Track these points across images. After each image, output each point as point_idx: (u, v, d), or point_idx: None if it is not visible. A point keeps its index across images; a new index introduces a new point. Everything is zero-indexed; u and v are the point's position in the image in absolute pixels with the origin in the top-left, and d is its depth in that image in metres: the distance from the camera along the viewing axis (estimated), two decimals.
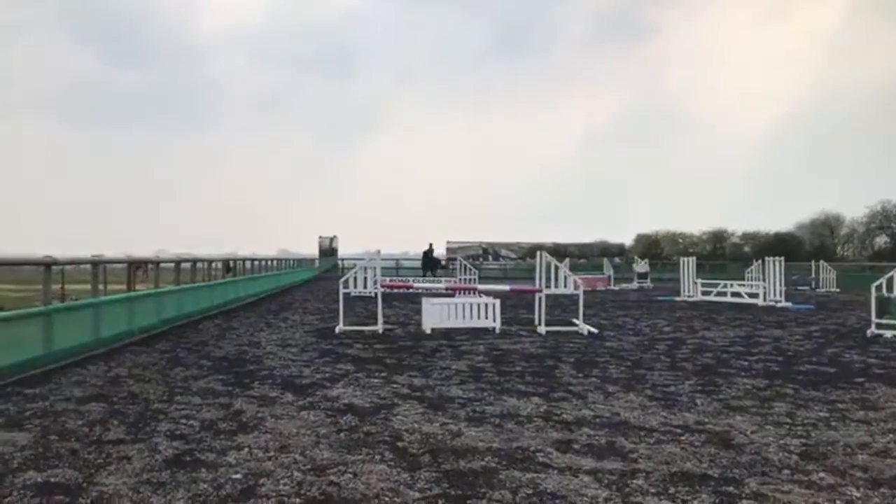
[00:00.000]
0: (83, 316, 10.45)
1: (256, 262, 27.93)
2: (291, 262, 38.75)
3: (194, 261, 19.35)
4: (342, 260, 53.67)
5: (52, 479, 4.69)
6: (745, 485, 4.62)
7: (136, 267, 16.28)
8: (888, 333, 13.18)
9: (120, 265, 15.85)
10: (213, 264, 21.47)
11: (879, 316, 13.63)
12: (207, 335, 12.99)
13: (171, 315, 14.13)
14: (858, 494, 4.45)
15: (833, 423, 6.36)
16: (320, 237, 56.79)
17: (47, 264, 9.89)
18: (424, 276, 37.04)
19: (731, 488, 4.56)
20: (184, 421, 6.34)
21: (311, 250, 56.12)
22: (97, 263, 12.56)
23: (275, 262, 32.50)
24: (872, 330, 13.49)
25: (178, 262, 17.37)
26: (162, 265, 17.14)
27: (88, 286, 12.55)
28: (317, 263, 50.20)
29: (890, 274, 13.65)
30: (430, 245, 40.01)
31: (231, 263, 25.95)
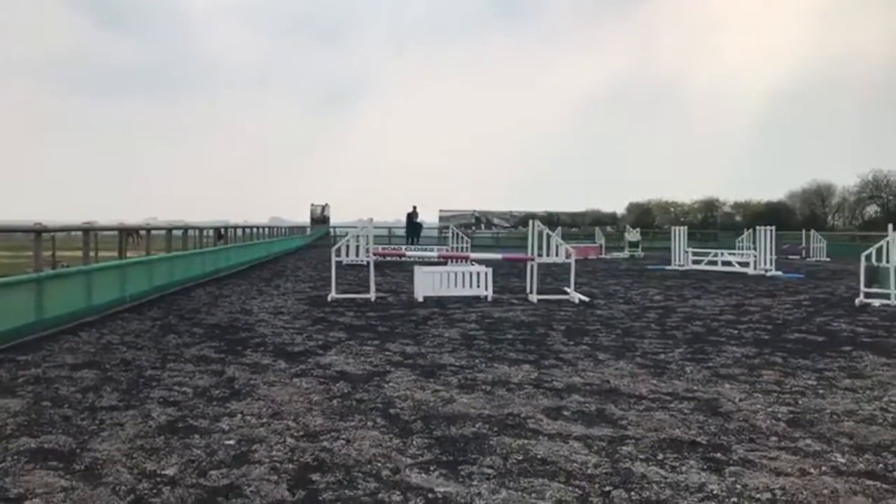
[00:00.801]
0: (74, 283, 10.43)
1: (248, 230, 27.86)
2: (283, 230, 38.67)
3: (185, 228, 19.30)
4: (334, 228, 53.54)
5: (46, 445, 4.72)
6: (733, 451, 4.68)
7: (127, 234, 16.24)
8: (876, 302, 13.29)
9: (111, 232, 15.77)
10: (205, 232, 21.40)
11: (868, 285, 13.73)
12: (199, 302, 12.99)
13: (162, 282, 14.11)
14: (843, 460, 4.52)
15: (820, 391, 6.43)
16: (312, 205, 56.60)
17: (38, 231, 9.85)
18: (409, 243, 35.63)
19: (719, 455, 4.62)
20: (176, 388, 6.36)
21: (303, 218, 55.99)
22: (88, 231, 12.51)
23: (266, 230, 32.43)
24: (861, 299, 13.59)
25: (169, 230, 17.31)
26: (153, 233, 17.09)
27: (79, 253, 12.51)
28: (308, 232, 50.08)
29: (879, 243, 13.72)
30: (414, 208, 37.57)
31: (223, 231, 25.88)
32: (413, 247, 30.58)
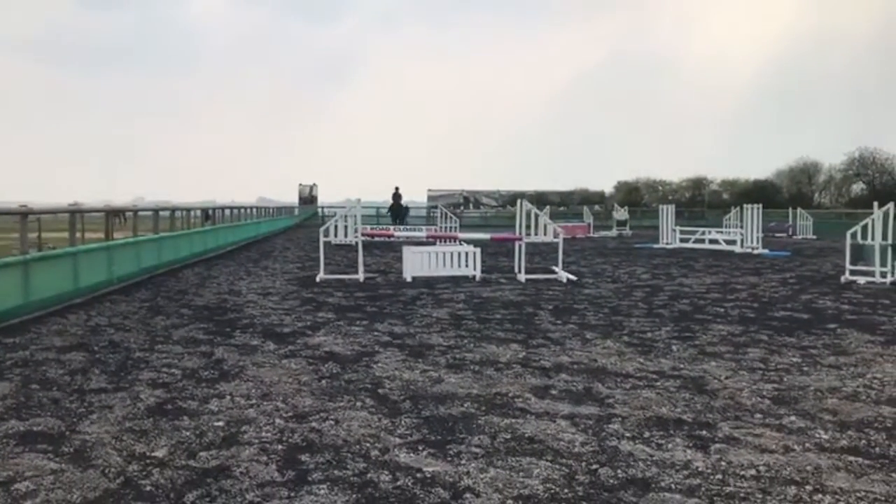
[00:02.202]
0: (61, 265, 10.38)
1: (236, 211, 27.75)
2: (271, 210, 38.55)
3: (173, 209, 19.20)
4: (322, 208, 53.40)
5: (35, 428, 4.72)
6: (719, 429, 4.74)
7: (114, 215, 16.14)
8: (861, 280, 13.40)
9: (98, 214, 15.67)
10: (192, 213, 21.31)
11: (853, 263, 13.83)
12: (187, 284, 12.97)
13: (150, 264, 14.07)
14: (827, 437, 4.58)
15: (805, 369, 6.50)
16: (300, 185, 56.42)
17: (23, 213, 9.78)
18: (395, 221, 35.34)
19: (704, 432, 4.67)
20: (165, 369, 6.37)
21: (291, 199, 55.82)
22: (75, 212, 12.43)
23: (254, 211, 32.32)
24: (846, 276, 13.70)
25: (156, 211, 17.22)
26: (140, 213, 17.00)
27: (66, 235, 12.44)
28: (297, 212, 49.95)
29: (865, 221, 13.81)
30: (397, 189, 36.62)
31: (210, 212, 25.76)
32: (402, 227, 30.54)
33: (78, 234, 12.68)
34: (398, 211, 36.46)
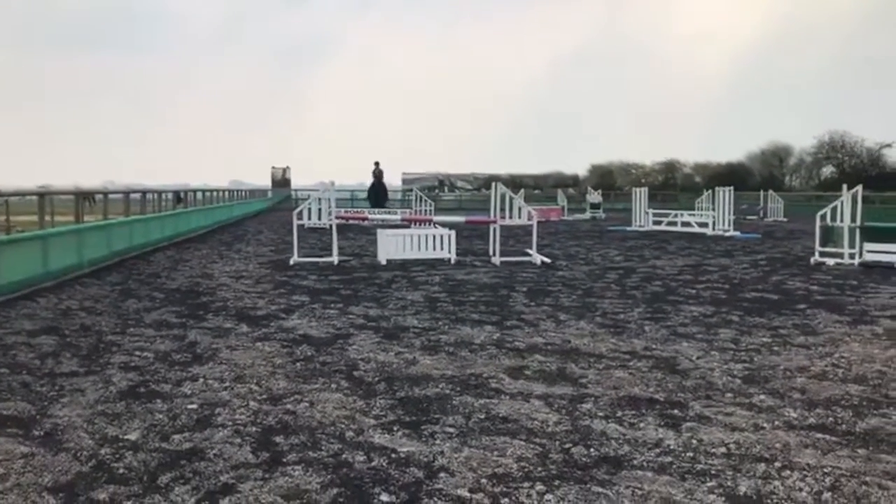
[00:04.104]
0: (30, 248, 10.23)
1: (208, 194, 27.51)
2: (244, 193, 38.24)
3: (144, 192, 19.01)
4: (296, 191, 53.01)
5: (4, 412, 4.67)
6: (690, 408, 4.80)
7: (84, 198, 15.93)
8: (831, 261, 13.60)
9: (67, 197, 15.46)
10: (164, 195, 21.10)
11: (823, 244, 14.03)
12: (159, 267, 12.85)
13: (121, 247, 13.91)
14: (795, 415, 4.65)
15: (775, 348, 6.59)
16: (273, 168, 55.86)
17: None
18: (376, 205, 31.17)
19: (676, 411, 4.73)
20: (137, 353, 6.32)
21: (264, 182, 55.32)
22: (44, 195, 12.26)
23: (227, 194, 32.05)
24: (816, 258, 13.89)
25: (127, 193, 17.05)
26: (111, 196, 16.80)
27: (34, 218, 12.27)
28: (269, 195, 49.58)
29: (834, 203, 13.99)
30: (377, 165, 31.26)
31: (182, 195, 25.52)
32: (376, 210, 29.77)
33: (47, 218, 12.52)
34: (378, 194, 31.66)
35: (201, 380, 5.45)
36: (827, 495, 3.45)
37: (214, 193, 28.66)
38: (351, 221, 22.61)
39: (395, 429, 4.38)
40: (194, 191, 26.33)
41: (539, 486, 3.55)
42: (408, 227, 16.72)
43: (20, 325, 7.53)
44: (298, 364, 5.96)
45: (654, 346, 6.65)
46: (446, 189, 58.39)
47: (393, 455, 3.95)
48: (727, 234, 22.47)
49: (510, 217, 14.44)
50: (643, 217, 25.84)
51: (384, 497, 3.44)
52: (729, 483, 3.59)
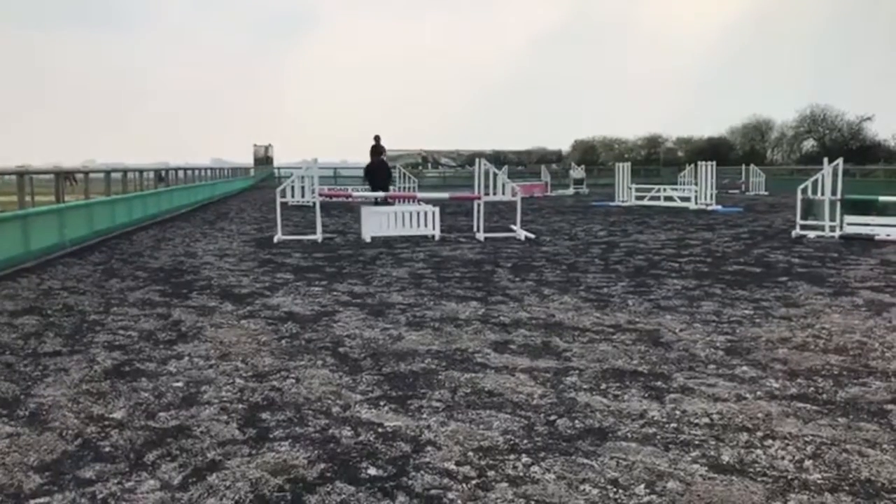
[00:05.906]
0: (11, 228, 10.14)
1: (190, 172, 27.30)
2: (226, 171, 37.98)
3: (125, 171, 18.84)
4: (278, 169, 52.72)
5: None
6: (673, 380, 4.84)
7: (64, 178, 15.75)
8: (812, 234, 13.70)
9: (47, 176, 15.28)
10: (145, 174, 20.91)
11: (804, 217, 14.13)
12: (142, 246, 12.77)
13: (103, 227, 13.82)
14: (777, 385, 4.71)
15: (757, 320, 6.66)
16: (255, 146, 55.45)
17: None
18: (376, 189, 21.99)
19: (659, 383, 4.77)
20: (122, 332, 6.29)
21: (247, 160, 54.94)
22: (23, 174, 12.11)
23: (209, 172, 31.82)
24: (797, 231, 13.99)
25: (108, 173, 16.88)
26: (92, 176, 16.63)
27: (14, 199, 12.14)
28: (252, 173, 49.25)
29: (815, 177, 14.08)
30: (377, 139, 23.49)
31: (163, 173, 25.31)
32: (360, 187, 27.96)
33: (27, 198, 12.38)
34: (379, 174, 23.30)
35: (186, 358, 5.44)
36: (808, 463, 3.50)
37: (196, 172, 28.43)
38: (334, 199, 22.51)
39: (381, 404, 4.40)
40: (175, 169, 26.11)
41: (525, 458, 3.58)
42: (392, 204, 16.68)
43: (1, 305, 7.47)
44: (284, 341, 5.96)
45: (637, 320, 6.69)
46: (430, 166, 58.17)
47: (380, 430, 3.97)
48: (709, 208, 22.59)
49: (494, 193, 14.44)
50: (626, 192, 25.91)
51: (371, 471, 3.47)
52: (712, 453, 3.64)
